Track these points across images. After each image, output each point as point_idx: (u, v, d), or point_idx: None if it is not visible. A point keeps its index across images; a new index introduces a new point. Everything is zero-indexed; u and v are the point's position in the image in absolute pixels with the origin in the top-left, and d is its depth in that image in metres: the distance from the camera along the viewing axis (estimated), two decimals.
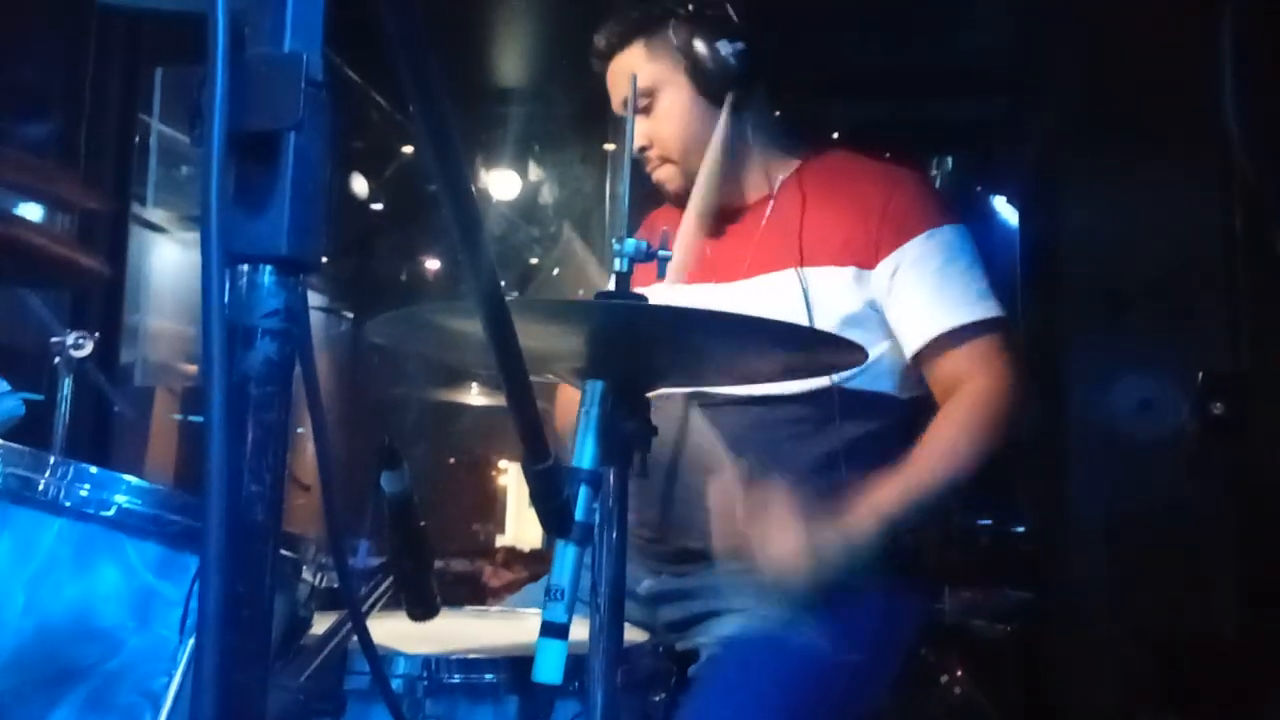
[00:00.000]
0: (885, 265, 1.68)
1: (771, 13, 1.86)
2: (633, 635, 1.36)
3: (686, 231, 1.72)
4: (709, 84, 1.73)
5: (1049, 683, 3.24)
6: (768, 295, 1.70)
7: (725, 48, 1.72)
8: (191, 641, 0.97)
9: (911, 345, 1.67)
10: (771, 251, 1.73)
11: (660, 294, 1.47)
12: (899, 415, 1.70)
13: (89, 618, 1.01)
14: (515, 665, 1.19)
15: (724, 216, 1.83)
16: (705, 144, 1.75)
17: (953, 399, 1.63)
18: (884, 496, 1.54)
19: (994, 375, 1.64)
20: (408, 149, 4.70)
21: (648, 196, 1.88)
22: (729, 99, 1.74)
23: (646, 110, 1.77)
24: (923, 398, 1.70)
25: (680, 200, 1.80)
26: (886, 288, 1.68)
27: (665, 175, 1.80)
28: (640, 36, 1.77)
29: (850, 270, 1.68)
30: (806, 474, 1.63)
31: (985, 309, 1.67)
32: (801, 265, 1.69)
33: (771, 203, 1.78)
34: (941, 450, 1.60)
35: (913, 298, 1.67)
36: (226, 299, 0.59)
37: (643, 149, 1.79)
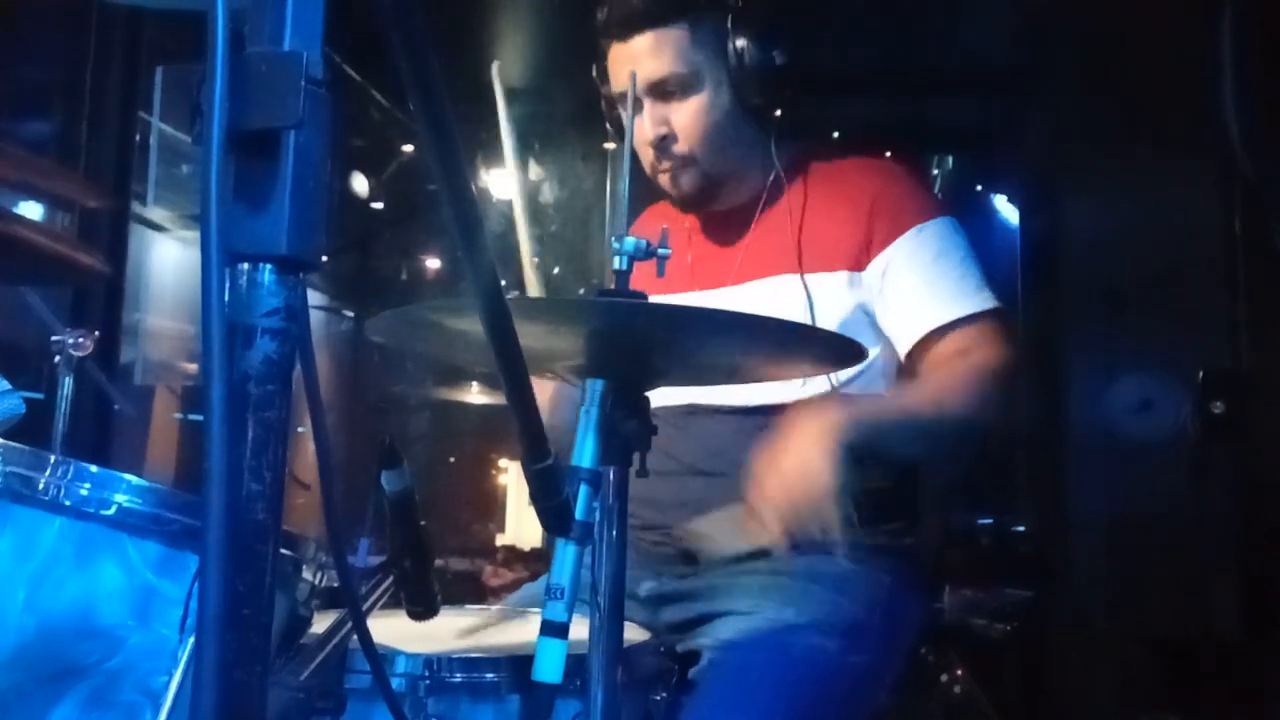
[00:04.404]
0: (876, 264, 1.66)
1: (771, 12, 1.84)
2: (634, 634, 1.35)
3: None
4: (752, 92, 1.65)
5: (1049, 682, 3.24)
6: (766, 301, 1.68)
7: (778, 58, 1.63)
8: (192, 640, 0.97)
9: (906, 342, 1.65)
10: (765, 256, 1.71)
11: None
12: None
13: (89, 616, 1.01)
14: (517, 664, 1.19)
15: (709, 221, 1.80)
16: (731, 150, 1.69)
17: (954, 363, 1.62)
18: (855, 410, 1.51)
19: (994, 351, 1.62)
20: (408, 147, 4.70)
21: (648, 194, 1.86)
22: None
23: (673, 96, 1.66)
24: None
25: (689, 203, 1.75)
26: (878, 287, 1.66)
27: (685, 178, 1.70)
28: (685, 18, 1.65)
29: (843, 274, 1.67)
30: None
31: (981, 301, 1.65)
32: (802, 271, 1.67)
33: (760, 206, 1.75)
34: (932, 392, 1.59)
35: (906, 294, 1.65)
36: (227, 298, 0.59)
37: (663, 138, 1.67)
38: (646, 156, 1.71)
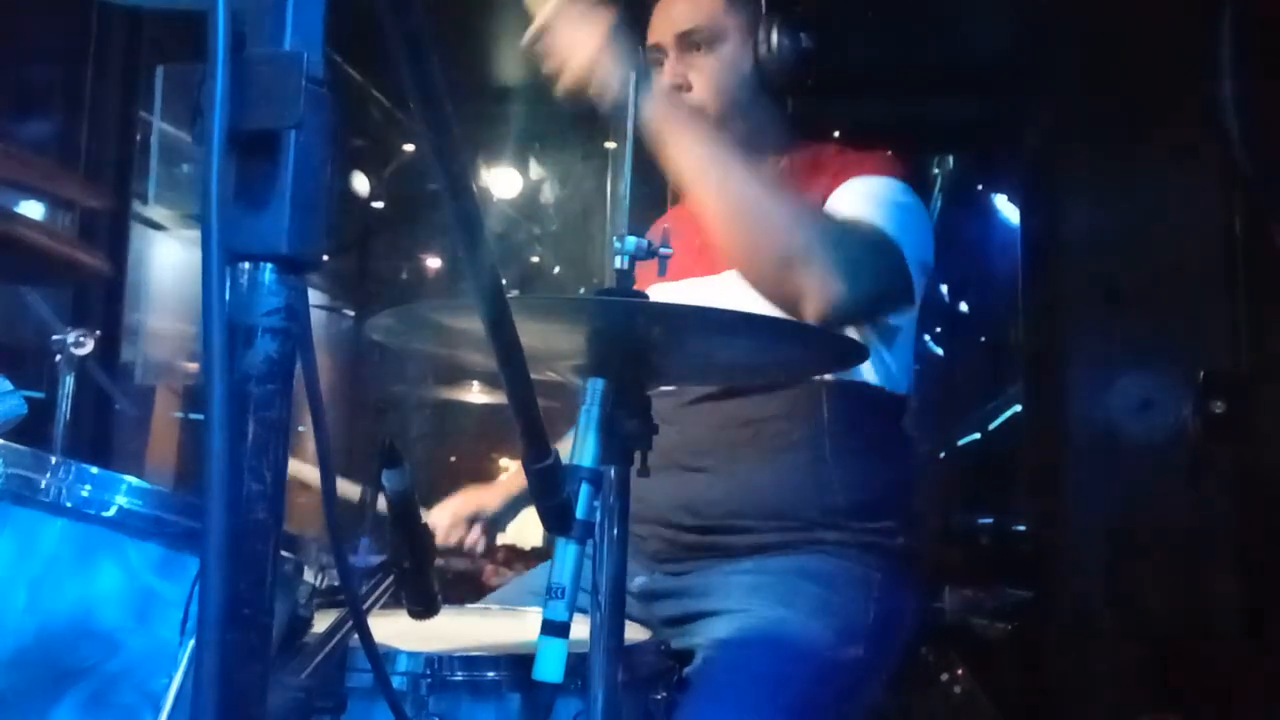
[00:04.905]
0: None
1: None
2: (634, 633, 1.36)
3: None
4: (772, 64, 1.69)
5: (1049, 682, 3.24)
6: (733, 288, 1.68)
7: (805, 40, 1.69)
8: (192, 643, 0.97)
9: None
10: None
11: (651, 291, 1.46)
12: (878, 403, 1.68)
13: (90, 618, 1.01)
14: (518, 663, 1.19)
15: None
16: (740, 120, 1.71)
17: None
18: (700, 130, 1.48)
19: (863, 230, 1.53)
20: (409, 147, 4.70)
21: (649, 194, 1.86)
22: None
23: (697, 49, 1.72)
24: (902, 393, 1.70)
25: None
26: None
27: None
28: None
29: None
30: (790, 467, 1.63)
31: (877, 217, 1.56)
32: None
33: None
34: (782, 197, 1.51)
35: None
36: (227, 297, 0.59)
37: (677, 88, 1.70)
38: None
